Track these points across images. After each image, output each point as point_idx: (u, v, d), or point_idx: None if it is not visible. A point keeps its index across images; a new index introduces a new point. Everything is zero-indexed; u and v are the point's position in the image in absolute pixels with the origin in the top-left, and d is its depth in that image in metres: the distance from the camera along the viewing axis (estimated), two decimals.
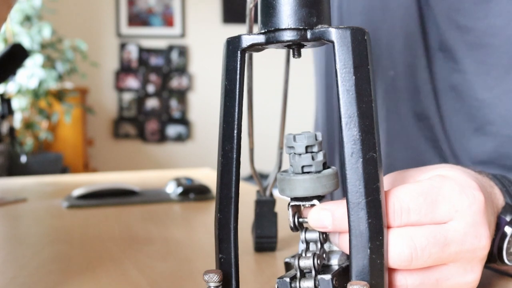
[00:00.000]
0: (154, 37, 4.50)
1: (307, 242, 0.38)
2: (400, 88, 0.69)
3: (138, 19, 4.49)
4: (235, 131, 0.37)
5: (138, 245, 0.63)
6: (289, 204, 0.38)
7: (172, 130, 4.52)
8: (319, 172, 0.36)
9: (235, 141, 0.37)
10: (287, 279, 0.37)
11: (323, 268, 0.38)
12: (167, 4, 4.51)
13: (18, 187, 1.16)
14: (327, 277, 0.36)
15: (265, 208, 0.57)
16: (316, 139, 0.37)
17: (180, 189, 0.95)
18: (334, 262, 0.38)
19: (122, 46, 4.47)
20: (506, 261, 0.41)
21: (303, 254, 0.37)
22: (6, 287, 0.49)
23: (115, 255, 0.59)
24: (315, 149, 0.37)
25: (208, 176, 1.21)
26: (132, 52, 4.48)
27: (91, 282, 0.50)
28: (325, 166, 0.37)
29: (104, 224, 0.77)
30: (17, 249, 0.65)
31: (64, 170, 3.63)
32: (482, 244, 0.37)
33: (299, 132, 0.37)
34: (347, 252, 0.36)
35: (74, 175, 1.52)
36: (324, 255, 0.38)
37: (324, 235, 0.37)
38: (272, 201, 0.58)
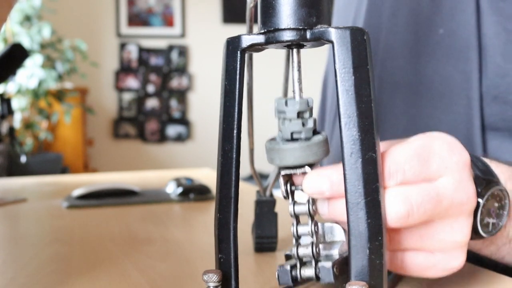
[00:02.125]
0: (154, 37, 4.50)
1: (297, 216, 0.37)
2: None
3: (138, 19, 4.49)
4: (235, 131, 0.37)
5: (138, 245, 0.63)
6: (279, 173, 0.37)
7: (172, 130, 4.52)
8: (308, 139, 0.36)
9: (234, 141, 0.37)
10: (288, 267, 0.37)
11: (324, 257, 0.38)
12: (167, 4, 4.51)
13: (18, 187, 1.16)
14: (328, 264, 0.36)
15: (265, 208, 0.57)
16: (308, 105, 0.36)
17: (180, 189, 0.95)
18: (335, 252, 0.38)
19: (122, 46, 4.47)
20: (481, 232, 0.42)
21: (296, 232, 0.37)
22: (6, 287, 0.49)
23: (115, 255, 0.59)
24: (306, 115, 0.36)
25: (208, 176, 1.21)
26: (132, 52, 4.48)
27: (91, 282, 0.50)
28: (315, 132, 0.37)
29: (104, 224, 0.77)
30: (17, 249, 0.65)
31: (64, 170, 3.63)
32: (470, 199, 0.39)
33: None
34: (339, 219, 0.36)
35: (74, 175, 1.52)
36: (325, 238, 0.38)
37: (314, 207, 0.37)
38: (272, 201, 0.58)
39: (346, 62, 0.34)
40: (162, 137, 4.50)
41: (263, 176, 3.28)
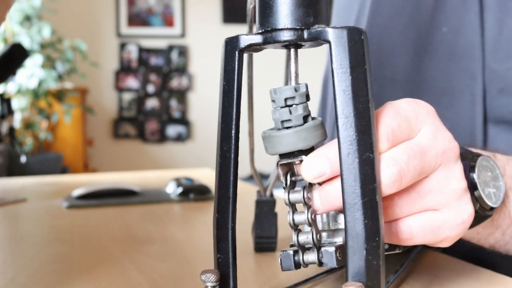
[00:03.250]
0: (154, 37, 4.50)
1: (292, 204, 0.37)
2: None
3: (138, 19, 4.49)
4: (233, 131, 0.37)
5: (138, 245, 0.63)
6: (277, 163, 0.37)
7: (172, 130, 4.52)
8: (300, 126, 0.36)
9: (233, 141, 0.37)
10: (291, 251, 0.37)
11: (328, 244, 0.37)
12: (167, 4, 4.51)
13: (18, 187, 1.16)
14: (331, 249, 0.36)
15: (265, 209, 0.57)
16: (296, 91, 0.36)
17: (180, 189, 0.95)
18: (339, 240, 0.38)
19: (122, 46, 4.47)
20: (488, 202, 0.43)
21: (293, 221, 0.36)
22: (6, 287, 0.49)
23: (115, 255, 0.59)
24: (296, 101, 0.36)
25: (208, 176, 1.21)
26: (132, 52, 4.48)
27: (91, 282, 0.50)
28: (307, 119, 0.36)
29: (104, 224, 0.77)
30: (17, 249, 0.65)
31: (64, 170, 3.63)
32: (451, 143, 0.39)
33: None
34: (334, 205, 0.36)
35: (74, 175, 1.52)
36: (329, 225, 0.38)
37: (308, 195, 0.36)
38: (272, 201, 0.58)
39: (343, 62, 0.34)
40: (162, 137, 4.50)
41: (264, 176, 3.27)
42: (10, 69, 1.26)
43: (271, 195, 0.58)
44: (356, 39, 0.34)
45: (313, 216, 0.37)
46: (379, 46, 0.72)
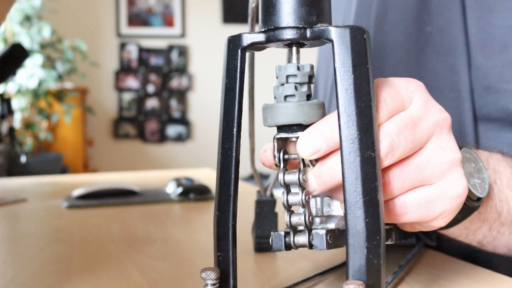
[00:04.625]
0: (154, 37, 4.50)
1: (287, 185, 0.37)
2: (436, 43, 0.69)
3: (138, 19, 4.49)
4: (235, 130, 0.37)
5: (138, 245, 0.63)
6: (274, 137, 0.37)
7: (172, 130, 4.52)
8: (302, 101, 0.36)
9: (234, 139, 0.37)
10: (282, 232, 0.37)
11: (320, 229, 0.37)
12: (167, 4, 4.51)
13: (18, 187, 1.16)
14: (322, 231, 0.35)
15: (265, 208, 0.57)
16: (298, 69, 0.36)
17: (180, 189, 0.95)
18: (332, 226, 0.38)
19: (122, 46, 4.47)
20: (475, 192, 0.44)
21: (287, 202, 0.36)
22: (6, 287, 0.49)
23: (115, 255, 0.59)
24: (299, 79, 0.36)
25: (208, 176, 1.21)
26: (132, 52, 4.48)
27: (91, 282, 0.50)
28: (309, 98, 0.36)
29: (104, 224, 0.77)
30: (17, 249, 0.65)
31: (64, 170, 3.63)
32: (442, 114, 0.39)
33: None
34: (330, 182, 0.36)
35: (74, 175, 1.52)
36: (322, 211, 0.38)
37: (304, 177, 0.36)
38: (272, 201, 0.58)
39: (346, 61, 0.34)
40: (162, 137, 4.50)
41: (264, 176, 3.28)
42: (10, 69, 1.26)
43: (271, 195, 0.58)
44: (358, 38, 0.34)
45: (307, 198, 0.36)
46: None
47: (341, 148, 0.34)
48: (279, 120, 0.36)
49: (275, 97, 0.37)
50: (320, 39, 0.35)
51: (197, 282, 0.49)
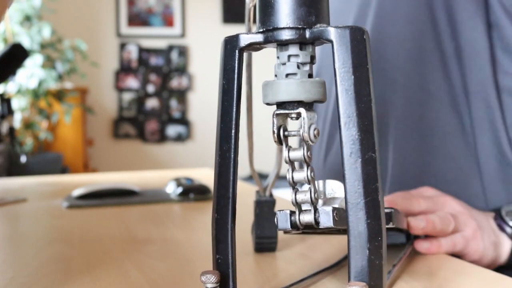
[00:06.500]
0: (154, 37, 4.50)
1: (291, 162, 0.36)
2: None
3: (138, 19, 4.49)
4: (233, 131, 0.37)
5: (138, 245, 0.63)
6: (273, 113, 0.36)
7: (172, 130, 4.52)
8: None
9: (232, 141, 0.37)
10: (287, 211, 0.36)
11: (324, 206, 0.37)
12: (167, 4, 4.51)
13: (18, 187, 1.16)
14: (328, 208, 0.35)
15: (265, 209, 0.57)
16: (300, 49, 0.36)
17: (180, 189, 0.95)
18: (336, 206, 0.38)
19: (122, 46, 4.47)
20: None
21: (292, 179, 0.36)
22: (6, 287, 0.49)
23: (115, 255, 0.59)
24: (300, 59, 0.36)
25: (208, 176, 1.21)
26: (132, 52, 4.47)
27: (91, 282, 0.50)
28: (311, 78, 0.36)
29: (104, 224, 0.77)
30: (17, 249, 0.65)
31: (64, 170, 3.63)
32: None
33: None
34: None
35: (74, 175, 1.52)
36: (325, 194, 0.38)
37: (308, 153, 0.36)
38: (272, 201, 0.58)
39: (346, 62, 0.34)
40: (162, 137, 4.50)
41: (263, 176, 3.28)
42: (10, 69, 1.26)
43: (271, 195, 0.58)
44: (358, 39, 0.34)
45: (312, 174, 0.36)
46: (382, 52, 0.73)
47: (341, 149, 0.34)
48: (280, 97, 0.35)
49: (275, 75, 0.36)
50: (320, 39, 0.35)
51: (197, 282, 0.49)
